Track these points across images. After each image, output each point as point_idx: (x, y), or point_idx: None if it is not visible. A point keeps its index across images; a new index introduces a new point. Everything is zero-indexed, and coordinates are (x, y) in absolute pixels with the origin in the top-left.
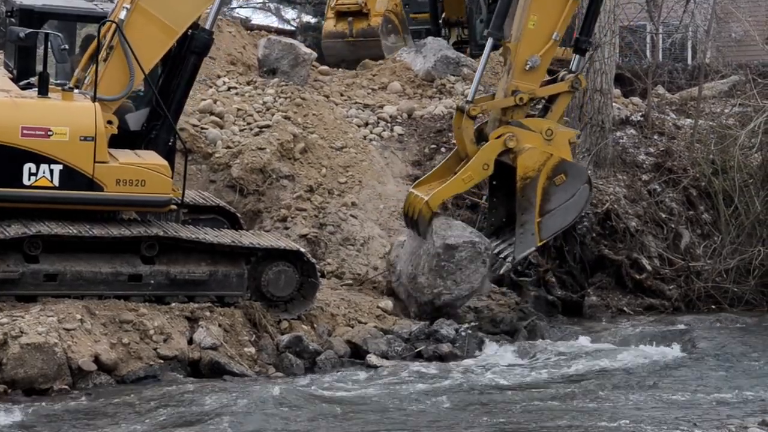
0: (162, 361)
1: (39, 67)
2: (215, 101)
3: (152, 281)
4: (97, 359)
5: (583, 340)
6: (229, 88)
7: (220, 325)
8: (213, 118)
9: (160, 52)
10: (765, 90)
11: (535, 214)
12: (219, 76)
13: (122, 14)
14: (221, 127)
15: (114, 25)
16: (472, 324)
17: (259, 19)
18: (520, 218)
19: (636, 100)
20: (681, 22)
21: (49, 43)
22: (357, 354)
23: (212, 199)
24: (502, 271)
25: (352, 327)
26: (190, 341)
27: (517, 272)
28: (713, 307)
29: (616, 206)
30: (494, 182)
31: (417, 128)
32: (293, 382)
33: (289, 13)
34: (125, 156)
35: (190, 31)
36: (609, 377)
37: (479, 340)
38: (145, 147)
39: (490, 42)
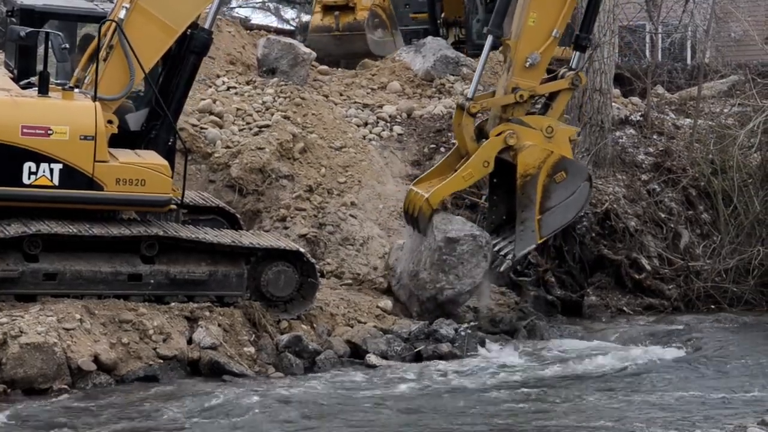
0: (161, 361)
1: (39, 67)
2: (215, 101)
3: (152, 281)
4: (96, 359)
5: (583, 340)
6: (228, 88)
7: (219, 325)
8: (212, 117)
9: (159, 52)
10: (764, 90)
11: (536, 211)
12: (218, 76)
13: (122, 13)
14: (220, 127)
15: (114, 25)
16: (472, 324)
17: (258, 18)
18: (521, 216)
19: (635, 99)
20: (680, 21)
21: (49, 43)
22: (356, 354)
23: (212, 199)
24: (502, 269)
25: (352, 327)
26: (190, 341)
27: (516, 272)
28: (712, 306)
29: (615, 206)
30: (494, 180)
31: (416, 128)
32: (293, 382)
33: (289, 13)
34: (125, 155)
35: (189, 30)
36: (608, 377)
37: (479, 339)
38: (145, 147)
39: (489, 39)
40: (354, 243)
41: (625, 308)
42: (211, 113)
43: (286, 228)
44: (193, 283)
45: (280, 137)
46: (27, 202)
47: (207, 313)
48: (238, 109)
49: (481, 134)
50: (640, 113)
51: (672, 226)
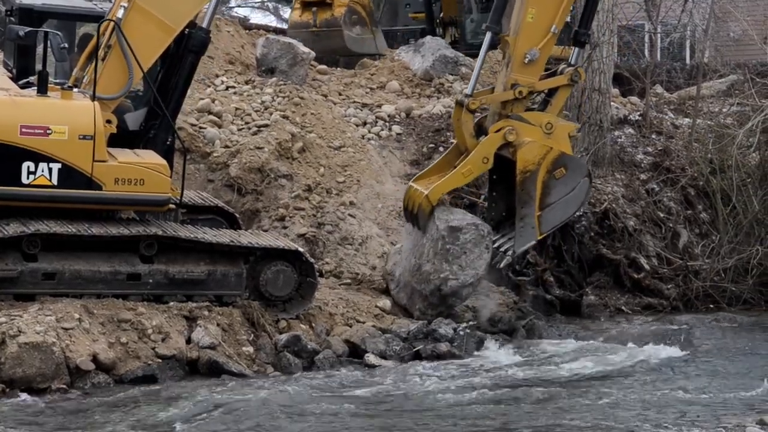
0: (160, 361)
1: (38, 66)
2: (213, 100)
3: (151, 280)
4: (95, 358)
5: (581, 340)
6: (227, 88)
7: (218, 325)
8: (211, 117)
9: (158, 51)
10: (763, 89)
11: (535, 207)
12: (217, 76)
13: (120, 13)
14: (219, 127)
15: (112, 24)
16: (471, 323)
17: (257, 18)
18: (520, 212)
19: (634, 99)
20: (679, 21)
21: (48, 42)
22: (355, 353)
23: (211, 199)
24: (502, 265)
25: (351, 326)
26: (189, 340)
27: (515, 271)
28: (711, 306)
29: (614, 205)
30: (494, 176)
31: (415, 127)
32: (291, 382)
33: (288, 13)
34: (124, 155)
35: (187, 29)
36: (607, 376)
37: (477, 339)
38: (143, 146)
39: (488, 36)
40: (353, 242)
41: (623, 308)
42: (209, 113)
43: (284, 227)
44: (191, 283)
45: (279, 137)
46: (26, 201)
47: (206, 313)
48: (236, 109)
49: (480, 131)
50: (638, 113)
51: (671, 225)
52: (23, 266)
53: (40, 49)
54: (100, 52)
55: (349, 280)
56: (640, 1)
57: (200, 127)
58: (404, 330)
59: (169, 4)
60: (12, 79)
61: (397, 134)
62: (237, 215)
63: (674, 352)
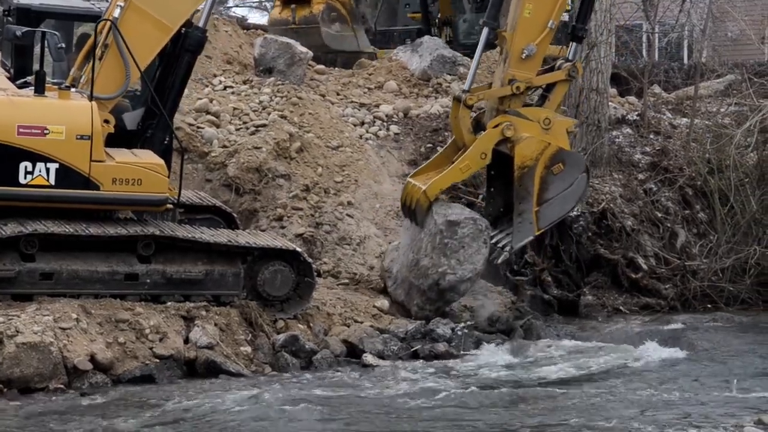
0: (158, 361)
1: (36, 66)
2: (211, 100)
3: (148, 280)
4: (92, 358)
5: (579, 340)
6: (225, 87)
7: (216, 325)
8: (209, 117)
9: (155, 50)
10: (761, 89)
11: (533, 203)
12: (215, 75)
13: (116, 12)
14: (217, 126)
15: (109, 24)
16: (468, 323)
17: (255, 18)
18: (518, 207)
19: (632, 99)
20: (677, 21)
21: (45, 42)
22: (353, 353)
23: (208, 199)
24: (500, 261)
25: (348, 326)
26: (186, 340)
27: (513, 271)
28: (709, 306)
29: (612, 205)
30: (492, 172)
31: (413, 127)
32: (289, 382)
33: None
34: (122, 155)
35: (183, 29)
36: (605, 377)
37: (475, 339)
38: (141, 146)
39: (485, 32)
40: (351, 242)
41: (621, 308)
42: (207, 112)
43: (282, 227)
44: (189, 283)
45: (277, 136)
46: (23, 201)
47: (203, 313)
48: (234, 109)
49: (478, 126)
50: (636, 113)
51: (669, 225)
52: (21, 266)
53: (37, 49)
54: (98, 52)
55: (347, 280)
56: (638, 1)
57: (198, 127)
58: (402, 330)
59: (165, 4)
60: (9, 78)
61: (395, 134)
62: (235, 215)
63: (672, 352)
